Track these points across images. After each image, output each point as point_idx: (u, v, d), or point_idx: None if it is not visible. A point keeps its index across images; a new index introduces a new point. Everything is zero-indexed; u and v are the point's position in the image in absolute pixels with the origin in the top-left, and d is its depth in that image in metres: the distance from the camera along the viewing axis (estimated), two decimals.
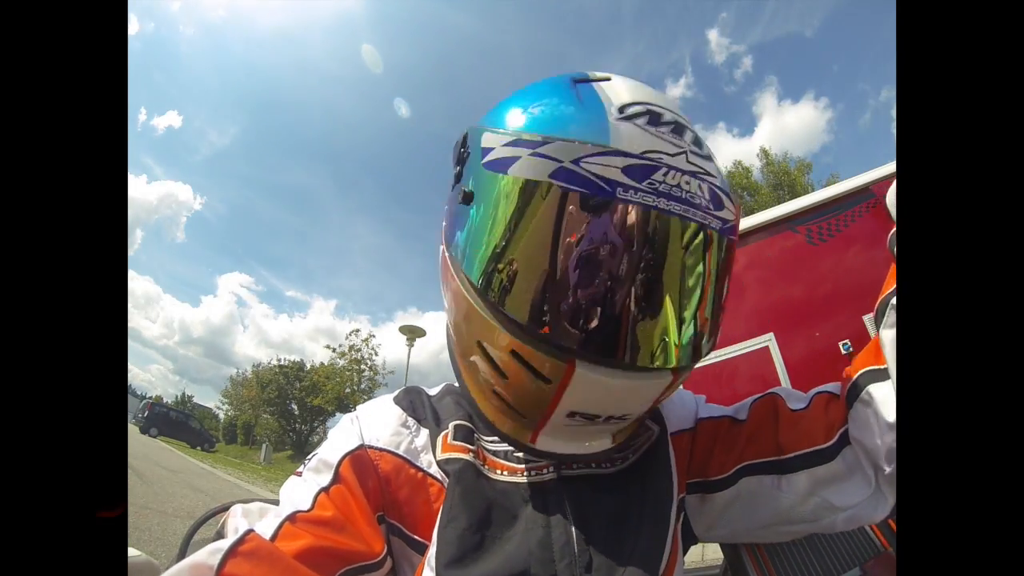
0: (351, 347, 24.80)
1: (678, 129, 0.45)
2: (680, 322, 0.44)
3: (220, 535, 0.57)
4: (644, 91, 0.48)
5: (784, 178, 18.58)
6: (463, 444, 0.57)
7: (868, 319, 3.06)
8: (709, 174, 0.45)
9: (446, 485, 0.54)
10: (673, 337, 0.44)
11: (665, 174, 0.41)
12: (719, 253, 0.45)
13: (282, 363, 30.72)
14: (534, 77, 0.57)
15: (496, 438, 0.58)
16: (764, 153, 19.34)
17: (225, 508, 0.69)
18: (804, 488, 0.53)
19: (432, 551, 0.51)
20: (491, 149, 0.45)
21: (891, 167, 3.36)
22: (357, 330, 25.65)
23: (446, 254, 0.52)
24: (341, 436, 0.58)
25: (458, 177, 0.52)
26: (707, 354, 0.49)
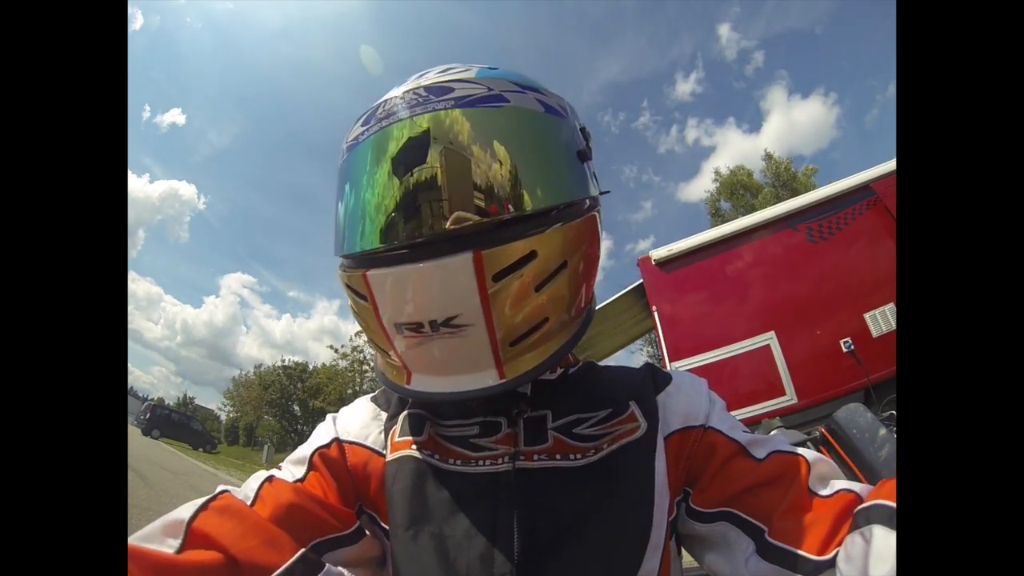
0: (354, 348, 24.76)
1: (421, 76, 0.54)
2: (434, 193, 0.47)
3: None
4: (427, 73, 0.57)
5: (787, 177, 18.74)
6: (409, 438, 0.57)
7: (869, 317, 3.05)
8: (440, 81, 0.51)
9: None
10: (434, 209, 0.47)
11: (384, 104, 0.51)
12: (455, 124, 0.49)
13: (285, 364, 30.76)
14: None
15: (452, 422, 0.58)
16: (769, 157, 19.76)
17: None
18: None
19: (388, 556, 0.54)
20: None
21: (891, 164, 3.36)
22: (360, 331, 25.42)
23: None
24: (319, 433, 0.61)
25: None
26: (509, 214, 0.48)
